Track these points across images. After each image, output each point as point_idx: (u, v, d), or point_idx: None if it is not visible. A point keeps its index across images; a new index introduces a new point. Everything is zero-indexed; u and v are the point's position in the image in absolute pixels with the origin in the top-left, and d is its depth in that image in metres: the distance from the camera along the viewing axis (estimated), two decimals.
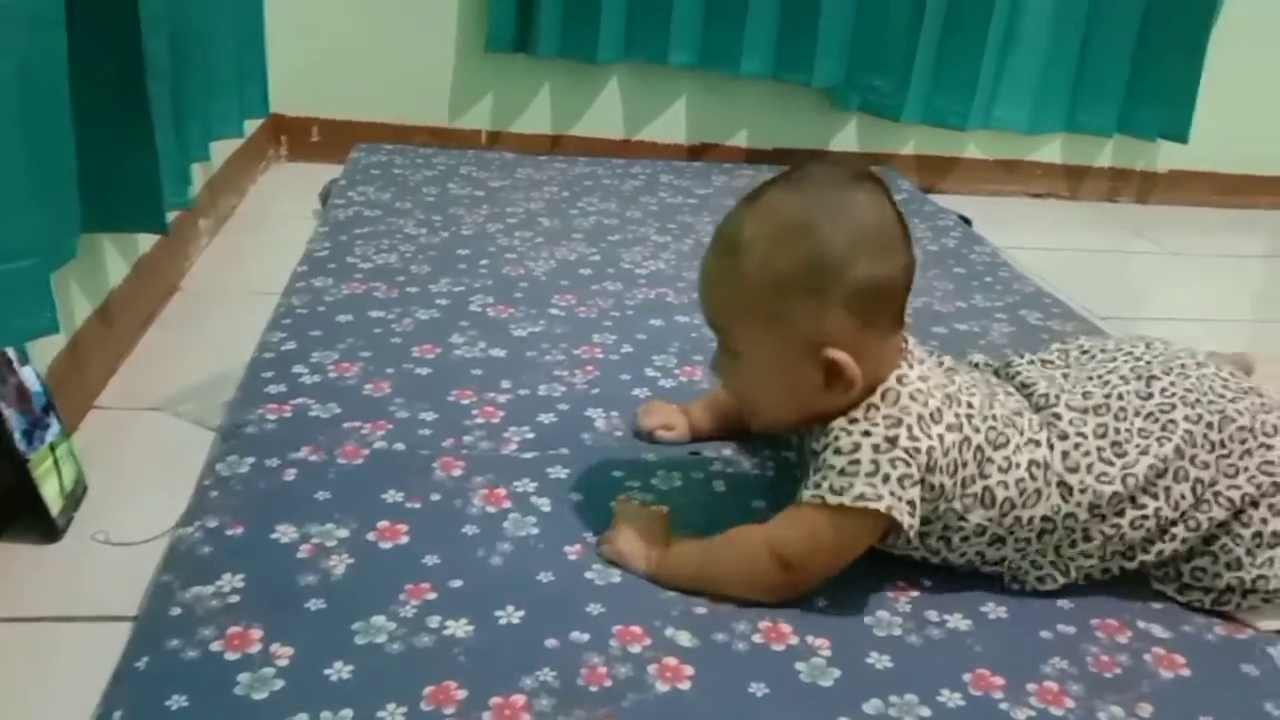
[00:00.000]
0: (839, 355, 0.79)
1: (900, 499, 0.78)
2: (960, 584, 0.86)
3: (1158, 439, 0.84)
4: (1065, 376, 0.90)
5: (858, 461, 0.78)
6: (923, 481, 0.79)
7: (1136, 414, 0.85)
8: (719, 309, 0.85)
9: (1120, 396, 0.86)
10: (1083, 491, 0.83)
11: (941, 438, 0.80)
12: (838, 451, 0.79)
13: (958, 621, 0.82)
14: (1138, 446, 0.84)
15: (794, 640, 0.78)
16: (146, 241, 1.32)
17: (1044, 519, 0.83)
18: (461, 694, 0.70)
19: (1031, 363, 0.94)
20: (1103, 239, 2.11)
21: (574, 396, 1.11)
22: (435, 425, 1.02)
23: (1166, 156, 2.32)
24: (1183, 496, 0.83)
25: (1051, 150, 2.29)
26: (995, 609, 0.84)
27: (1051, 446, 0.84)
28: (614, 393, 1.12)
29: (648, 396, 1.11)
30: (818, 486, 0.79)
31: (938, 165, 2.26)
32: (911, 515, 0.78)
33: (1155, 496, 0.83)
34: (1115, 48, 2.13)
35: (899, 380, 0.81)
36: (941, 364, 0.88)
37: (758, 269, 0.79)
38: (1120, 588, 0.87)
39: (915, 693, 0.74)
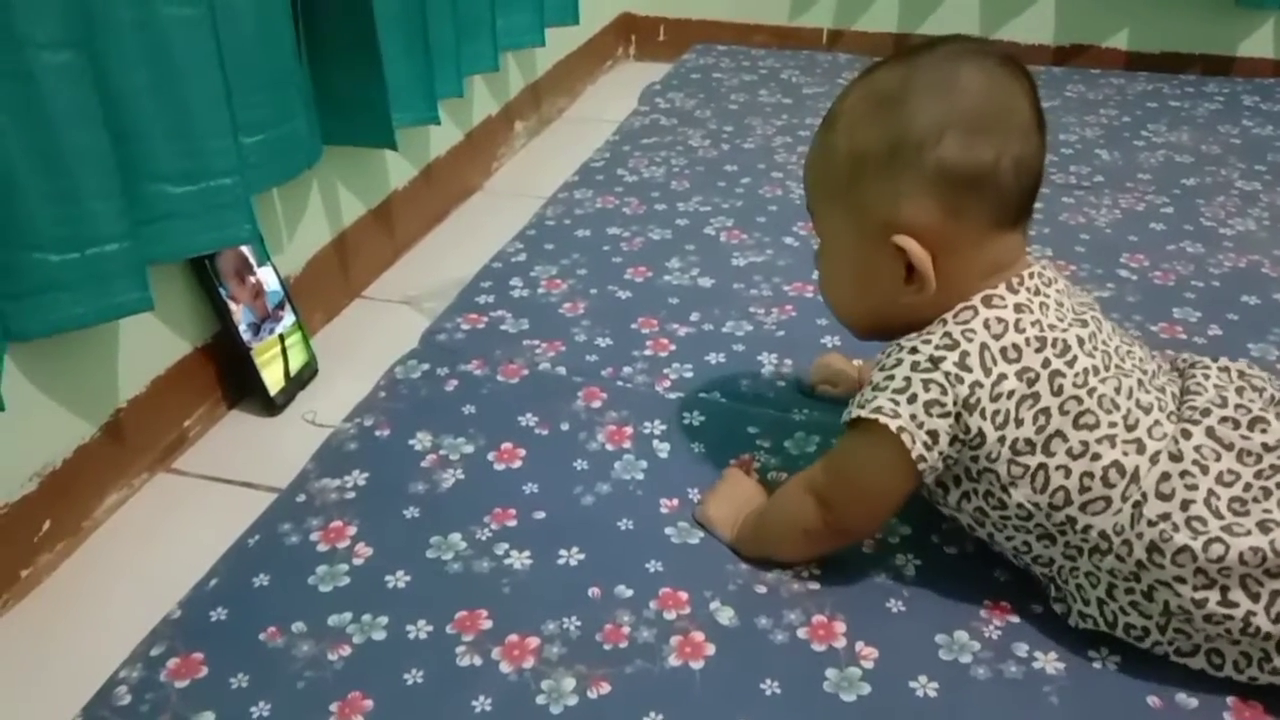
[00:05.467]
0: (908, 243, 0.69)
1: (920, 425, 0.68)
2: None
3: None
4: (1244, 409, 0.69)
5: (893, 377, 0.69)
6: (957, 418, 0.68)
7: None
8: (809, 187, 0.77)
9: None
10: (1152, 524, 0.66)
11: (1002, 378, 0.67)
12: (882, 368, 0.71)
13: (1049, 663, 0.71)
14: (1264, 520, 0.64)
15: (840, 643, 0.73)
16: (440, 146, 1.46)
17: (1101, 535, 0.68)
18: (487, 624, 0.74)
19: (1225, 370, 0.74)
20: None
21: (756, 337, 1.07)
22: (604, 352, 1.05)
23: None
24: None
25: None
26: (1106, 658, 0.72)
27: (1155, 460, 0.67)
28: (799, 338, 1.07)
29: (834, 346, 1.05)
30: (851, 405, 0.72)
31: None
32: (928, 448, 0.68)
33: (1254, 596, 0.64)
34: None
35: (985, 301, 0.69)
36: (1086, 312, 0.71)
37: (842, 143, 0.72)
38: None
39: None
